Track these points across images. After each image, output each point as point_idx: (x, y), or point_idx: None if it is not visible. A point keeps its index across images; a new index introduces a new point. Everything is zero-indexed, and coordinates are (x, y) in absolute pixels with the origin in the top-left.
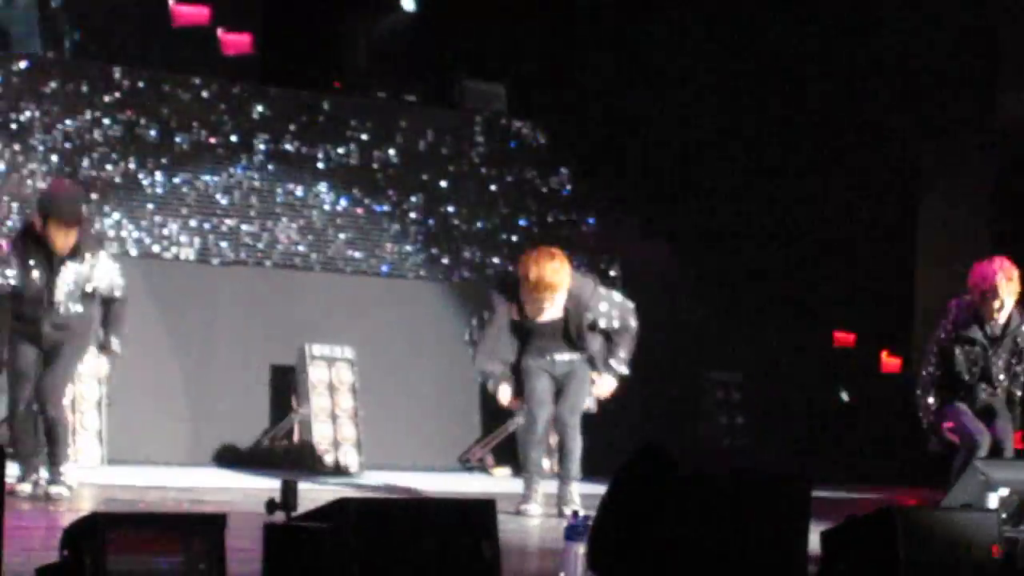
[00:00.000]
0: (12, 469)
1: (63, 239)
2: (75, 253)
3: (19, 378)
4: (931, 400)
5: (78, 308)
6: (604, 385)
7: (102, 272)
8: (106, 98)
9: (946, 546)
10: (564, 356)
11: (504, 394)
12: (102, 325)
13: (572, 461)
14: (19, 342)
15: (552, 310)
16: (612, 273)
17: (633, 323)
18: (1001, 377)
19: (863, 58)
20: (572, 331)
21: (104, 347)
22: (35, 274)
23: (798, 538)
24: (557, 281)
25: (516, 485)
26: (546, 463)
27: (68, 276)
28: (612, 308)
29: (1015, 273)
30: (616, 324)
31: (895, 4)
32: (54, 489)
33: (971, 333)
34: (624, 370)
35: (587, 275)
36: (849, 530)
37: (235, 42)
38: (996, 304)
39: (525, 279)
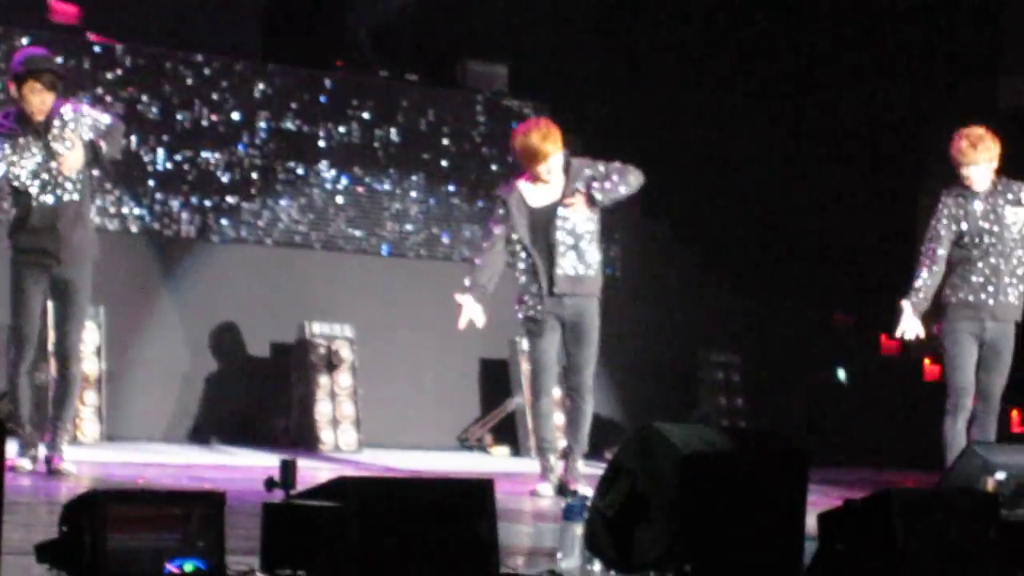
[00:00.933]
0: (11, 445)
1: (40, 102)
2: (53, 114)
3: (25, 333)
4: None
5: (77, 196)
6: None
7: (85, 118)
8: (108, 75)
9: (943, 529)
10: (570, 271)
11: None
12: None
13: (583, 428)
14: (26, 280)
15: (551, 193)
16: (608, 251)
17: (634, 176)
18: (1020, 254)
19: (866, 43)
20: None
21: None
22: (32, 150)
23: (795, 514)
24: (548, 147)
25: (515, 464)
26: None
27: (60, 137)
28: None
29: (982, 132)
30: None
31: None
32: (62, 465)
33: (964, 205)
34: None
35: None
36: (846, 512)
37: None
38: (969, 169)
39: (513, 152)
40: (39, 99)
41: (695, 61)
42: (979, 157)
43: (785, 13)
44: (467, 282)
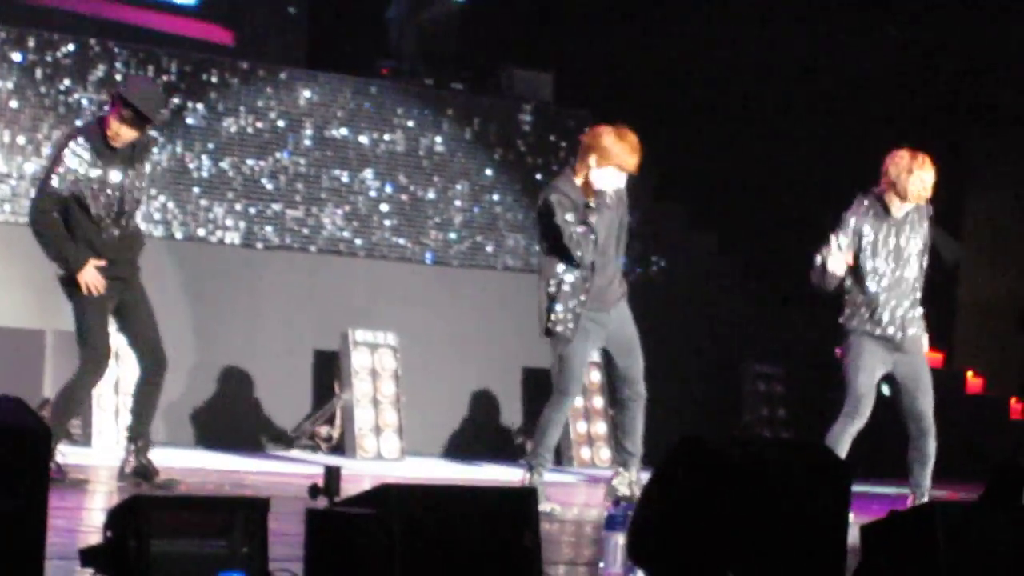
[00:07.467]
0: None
1: (119, 132)
2: (135, 147)
3: (103, 342)
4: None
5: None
6: None
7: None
8: (154, 81)
9: (987, 544)
10: (618, 291)
11: None
12: None
13: (639, 434)
14: (103, 302)
15: (611, 214)
16: (655, 262)
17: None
18: (915, 267)
19: (912, 46)
20: (621, 245)
21: None
22: (108, 175)
23: (838, 526)
24: (634, 162)
25: (556, 474)
26: (587, 452)
27: (135, 176)
28: None
29: (931, 178)
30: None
31: None
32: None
33: (873, 225)
34: None
35: None
36: (890, 525)
37: None
38: (899, 204)
39: (600, 148)
40: (118, 128)
41: (742, 74)
42: (925, 177)
43: (833, 25)
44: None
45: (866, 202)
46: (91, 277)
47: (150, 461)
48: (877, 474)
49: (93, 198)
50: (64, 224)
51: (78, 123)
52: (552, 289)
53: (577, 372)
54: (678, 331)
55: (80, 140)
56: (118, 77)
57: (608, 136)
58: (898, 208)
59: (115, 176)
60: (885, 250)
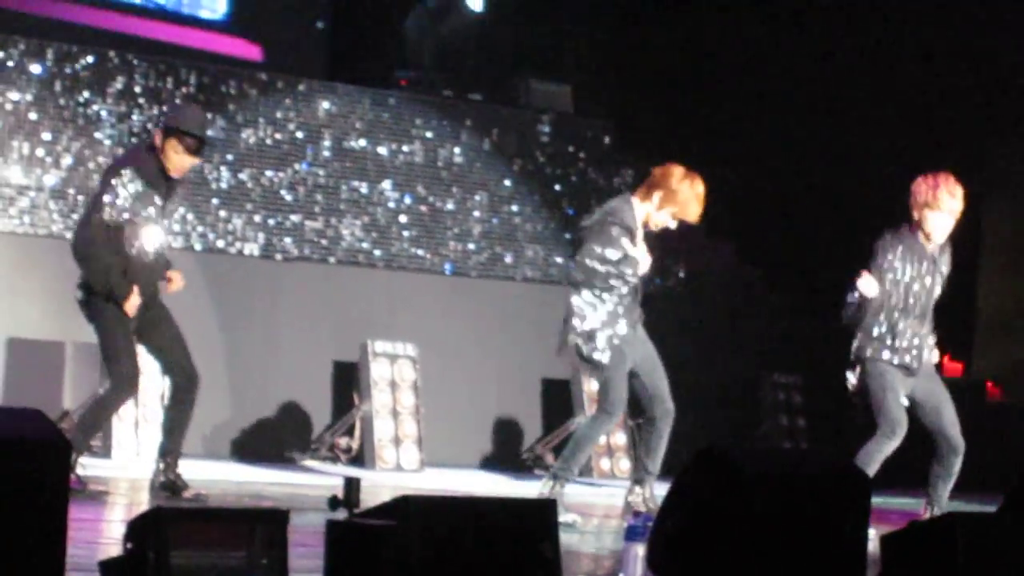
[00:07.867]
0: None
1: (179, 162)
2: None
3: (133, 361)
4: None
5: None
6: None
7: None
8: (173, 94)
9: (1008, 555)
10: (638, 310)
11: None
12: None
13: (661, 453)
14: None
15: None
16: (674, 272)
17: None
18: (936, 296)
19: (931, 54)
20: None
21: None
22: (153, 206)
23: (857, 537)
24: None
25: (575, 485)
26: (606, 463)
27: (174, 205)
28: None
29: (959, 191)
30: None
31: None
32: (190, 490)
33: (906, 260)
34: None
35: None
36: (910, 536)
37: None
38: (937, 221)
39: (668, 189)
40: (180, 160)
41: (758, 84)
42: (953, 207)
43: (847, 31)
44: None
45: (901, 238)
46: (133, 307)
47: (179, 475)
48: (897, 485)
49: (135, 230)
50: None
51: (120, 152)
52: (595, 316)
53: (621, 392)
54: (697, 341)
55: (130, 172)
56: (137, 89)
57: (679, 180)
58: (935, 228)
59: (157, 207)
60: (918, 285)
